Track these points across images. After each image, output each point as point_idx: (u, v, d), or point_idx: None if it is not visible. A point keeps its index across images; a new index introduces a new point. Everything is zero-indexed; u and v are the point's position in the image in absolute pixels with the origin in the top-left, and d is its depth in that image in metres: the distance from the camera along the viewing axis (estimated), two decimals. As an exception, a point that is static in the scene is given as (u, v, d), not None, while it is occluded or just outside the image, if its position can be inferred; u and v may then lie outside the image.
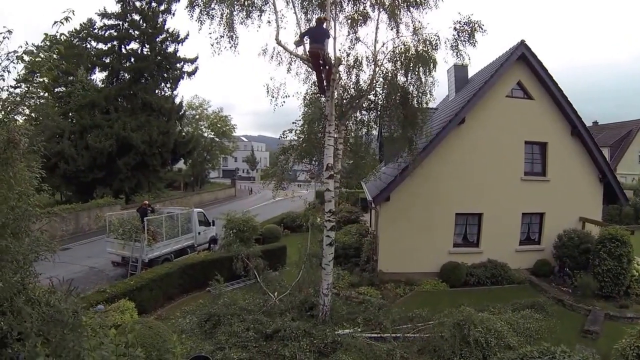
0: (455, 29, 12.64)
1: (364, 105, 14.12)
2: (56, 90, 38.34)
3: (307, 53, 12.01)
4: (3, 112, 5.27)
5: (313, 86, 14.13)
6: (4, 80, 5.26)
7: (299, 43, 12.36)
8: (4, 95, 5.40)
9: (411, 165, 15.80)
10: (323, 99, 12.88)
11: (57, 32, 5.58)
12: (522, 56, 17.12)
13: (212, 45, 12.07)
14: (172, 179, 51.01)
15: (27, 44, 5.30)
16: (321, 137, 14.30)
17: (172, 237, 19.69)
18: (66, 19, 5.39)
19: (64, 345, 5.03)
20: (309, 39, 11.85)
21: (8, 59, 5.17)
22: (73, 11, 5.32)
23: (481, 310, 11.91)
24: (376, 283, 16.03)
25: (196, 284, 16.12)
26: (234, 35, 12.10)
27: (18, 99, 5.51)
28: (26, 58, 5.32)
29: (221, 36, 12.03)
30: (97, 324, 5.67)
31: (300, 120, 15.77)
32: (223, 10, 11.92)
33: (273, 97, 13.35)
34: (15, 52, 5.19)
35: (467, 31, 12.57)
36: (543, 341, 10.17)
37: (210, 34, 12.04)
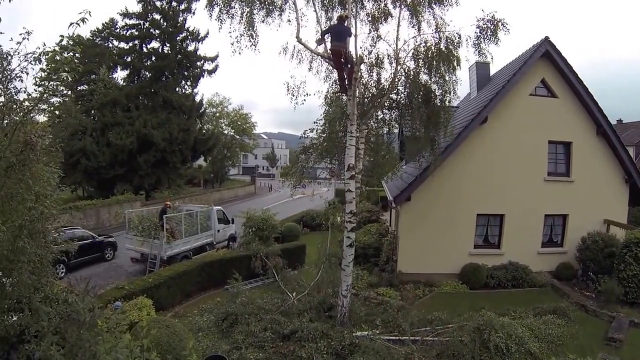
0: (478, 26, 12.36)
1: (385, 104, 13.97)
2: (79, 88, 38.99)
3: (329, 51, 11.88)
4: (21, 114, 5.27)
5: (334, 85, 14.02)
6: (22, 81, 5.27)
7: (320, 41, 12.25)
8: (22, 96, 5.42)
9: (432, 165, 15.55)
10: (344, 97, 12.76)
11: (72, 33, 5.58)
12: (546, 53, 16.73)
13: (232, 44, 11.99)
14: (192, 176, 51.48)
15: (44, 44, 5.30)
16: (342, 136, 14.18)
17: (191, 235, 19.73)
18: (82, 20, 5.36)
19: (80, 345, 5.03)
20: (330, 37, 11.73)
21: (26, 60, 5.17)
22: (90, 12, 5.28)
23: (502, 314, 11.67)
24: (395, 284, 15.86)
25: (214, 282, 16.08)
26: (254, 34, 11.97)
27: (38, 96, 5.52)
28: (43, 59, 5.32)
29: (241, 35, 11.91)
30: (113, 323, 5.66)
31: (321, 119, 15.70)
32: (243, 9, 11.81)
33: (293, 95, 13.35)
34: (33, 53, 5.19)
35: (490, 29, 12.29)
36: (565, 348, 9.94)
37: (230, 32, 11.96)
